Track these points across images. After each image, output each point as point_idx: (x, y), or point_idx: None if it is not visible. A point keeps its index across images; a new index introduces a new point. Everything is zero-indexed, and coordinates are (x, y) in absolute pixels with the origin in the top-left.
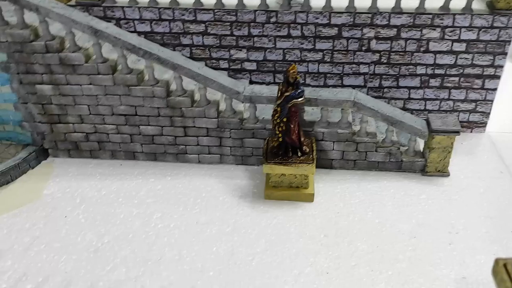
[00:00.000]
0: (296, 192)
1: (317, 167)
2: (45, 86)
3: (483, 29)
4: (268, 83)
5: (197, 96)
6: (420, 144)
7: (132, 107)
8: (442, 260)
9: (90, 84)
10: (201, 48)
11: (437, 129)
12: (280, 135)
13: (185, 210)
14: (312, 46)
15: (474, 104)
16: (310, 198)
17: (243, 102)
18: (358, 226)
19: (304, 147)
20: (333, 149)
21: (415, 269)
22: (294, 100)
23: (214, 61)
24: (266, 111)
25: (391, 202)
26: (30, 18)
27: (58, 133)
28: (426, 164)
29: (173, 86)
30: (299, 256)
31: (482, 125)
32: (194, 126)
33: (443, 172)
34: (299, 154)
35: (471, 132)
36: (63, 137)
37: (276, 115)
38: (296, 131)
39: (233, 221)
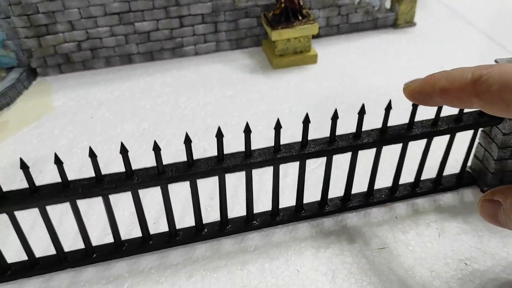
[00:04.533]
0: (301, 56)
1: None
2: None
3: None
4: None
5: None
6: (387, 1)
7: (126, 3)
8: None
9: None
10: None
11: None
12: (282, 0)
13: (207, 91)
14: None
15: None
16: (314, 59)
17: None
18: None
19: (303, 10)
20: (319, 17)
21: None
22: None
23: None
24: None
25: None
26: None
27: (47, 46)
28: (397, 17)
29: None
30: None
31: None
32: (190, 14)
33: (410, 22)
34: (300, 17)
35: None
36: (52, 51)
37: None
38: None
39: (257, 89)
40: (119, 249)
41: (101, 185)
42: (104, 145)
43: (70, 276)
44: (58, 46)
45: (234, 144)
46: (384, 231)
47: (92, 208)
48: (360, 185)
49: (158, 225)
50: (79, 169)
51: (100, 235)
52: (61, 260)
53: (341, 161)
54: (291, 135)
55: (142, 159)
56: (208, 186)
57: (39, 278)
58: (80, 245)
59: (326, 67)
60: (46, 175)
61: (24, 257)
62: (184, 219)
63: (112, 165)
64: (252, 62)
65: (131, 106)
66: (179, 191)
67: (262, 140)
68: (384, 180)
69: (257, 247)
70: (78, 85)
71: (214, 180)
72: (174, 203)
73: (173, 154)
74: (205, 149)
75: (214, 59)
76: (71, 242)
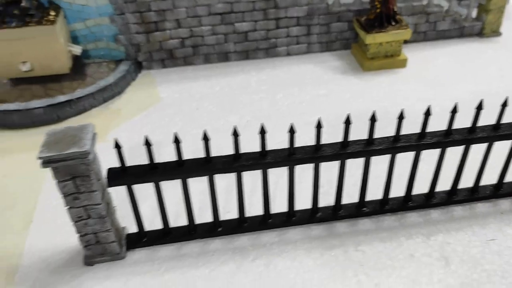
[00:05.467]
0: (391, 60)
1: None
2: None
3: None
4: None
5: None
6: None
7: (229, 4)
8: None
9: None
10: None
11: None
12: (378, 5)
13: (301, 89)
14: None
15: None
16: (403, 63)
17: None
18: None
19: (396, 16)
20: (408, 23)
21: None
22: None
23: None
24: None
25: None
26: None
27: (154, 42)
28: (483, 27)
29: None
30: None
31: None
32: (286, 17)
33: (496, 32)
34: (393, 22)
35: None
36: (158, 47)
37: None
38: (392, 0)
39: (349, 90)
40: (242, 225)
41: (238, 162)
42: (212, 134)
43: (199, 246)
44: (164, 42)
45: (331, 140)
46: (491, 224)
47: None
48: (465, 181)
49: (275, 205)
50: (192, 154)
51: (221, 212)
52: (191, 231)
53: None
54: (389, 132)
55: (247, 150)
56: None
57: (171, 246)
58: (203, 219)
59: (415, 71)
60: (162, 159)
61: (154, 226)
62: (300, 201)
63: (226, 148)
64: (341, 64)
65: (231, 101)
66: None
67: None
68: (489, 178)
69: (369, 231)
70: (180, 79)
71: (326, 168)
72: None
73: (277, 145)
74: (305, 142)
75: (305, 60)
76: (196, 216)
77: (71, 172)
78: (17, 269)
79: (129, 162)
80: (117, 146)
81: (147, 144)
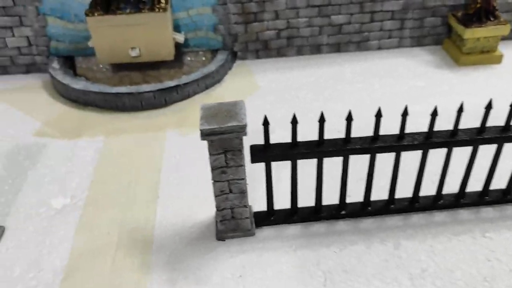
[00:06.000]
0: (487, 55)
1: None
2: None
3: None
4: None
5: None
6: None
7: None
8: None
9: None
10: None
11: None
12: (479, 0)
13: (397, 81)
14: None
15: None
16: (499, 59)
17: None
18: None
19: (496, 11)
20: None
21: None
22: None
23: None
24: None
25: None
26: None
27: (252, 33)
28: None
29: None
30: None
31: None
32: (381, 11)
33: None
34: (491, 18)
35: None
36: (254, 37)
37: None
38: None
39: (446, 83)
40: (366, 208)
41: (375, 143)
42: (315, 120)
43: (325, 227)
44: (261, 33)
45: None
46: None
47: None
48: None
49: (398, 190)
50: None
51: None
52: (317, 212)
53: None
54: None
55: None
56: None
57: (297, 225)
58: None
59: (510, 68)
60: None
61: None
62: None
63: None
64: (434, 59)
65: (330, 90)
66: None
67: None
68: None
69: (494, 219)
70: (275, 69)
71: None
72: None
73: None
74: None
75: (396, 54)
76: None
77: (225, 146)
78: (152, 240)
79: None
80: (265, 123)
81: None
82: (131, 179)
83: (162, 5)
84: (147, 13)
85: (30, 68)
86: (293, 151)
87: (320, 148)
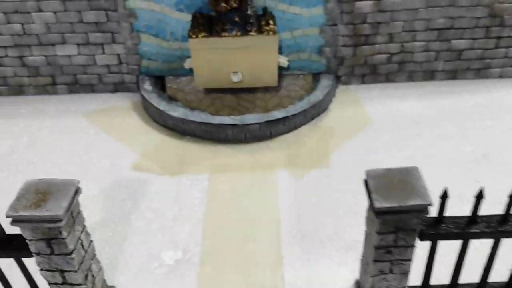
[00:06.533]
0: None
1: None
2: (366, 2)
3: None
4: None
5: None
6: None
7: (450, 20)
8: None
9: None
10: None
11: None
12: None
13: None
14: None
15: None
16: None
17: None
18: None
19: None
20: None
21: None
22: None
23: None
24: None
25: None
26: None
27: (360, 56)
28: None
29: None
30: None
31: None
32: (509, 36)
33: None
34: None
35: None
36: (362, 61)
37: None
38: None
39: None
40: None
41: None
42: (443, 167)
43: None
44: (370, 57)
45: None
46: None
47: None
48: None
49: None
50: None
51: None
52: None
53: None
54: None
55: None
56: None
57: None
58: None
59: None
60: None
61: None
62: None
63: None
64: None
65: (453, 126)
66: None
67: None
68: None
69: None
70: (385, 97)
71: None
72: None
73: None
74: None
75: None
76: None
77: (399, 224)
78: None
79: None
80: (444, 197)
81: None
82: (246, 231)
83: (272, 26)
84: (256, 36)
85: (118, 87)
86: (470, 229)
87: (503, 227)
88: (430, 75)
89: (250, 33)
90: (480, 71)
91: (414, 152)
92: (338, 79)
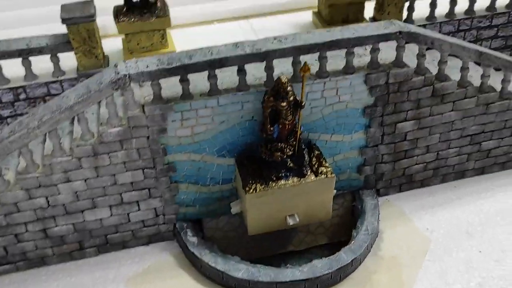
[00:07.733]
0: None
1: None
2: (407, 123)
3: None
4: None
5: None
6: None
7: (482, 126)
8: None
9: (452, 110)
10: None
11: None
12: None
13: None
14: None
15: None
16: None
17: None
18: None
19: None
20: None
21: None
22: None
23: None
24: None
25: None
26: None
27: (399, 169)
28: None
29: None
30: None
31: None
32: None
33: None
34: None
35: None
36: (401, 173)
37: None
38: None
39: None
40: None
41: None
42: None
43: None
44: (408, 169)
45: None
46: None
47: None
48: None
49: None
50: None
51: None
52: None
53: None
54: None
55: None
56: None
57: None
58: None
59: None
60: None
61: None
62: None
63: None
64: None
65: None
66: None
67: None
68: None
69: None
70: (428, 206)
71: None
72: None
73: None
74: None
75: None
76: None
77: None
78: None
79: None
80: None
81: None
82: None
83: (328, 168)
84: (314, 181)
85: (152, 239)
86: None
87: None
88: (460, 175)
89: (307, 179)
90: (505, 164)
91: (487, 277)
92: (377, 192)
